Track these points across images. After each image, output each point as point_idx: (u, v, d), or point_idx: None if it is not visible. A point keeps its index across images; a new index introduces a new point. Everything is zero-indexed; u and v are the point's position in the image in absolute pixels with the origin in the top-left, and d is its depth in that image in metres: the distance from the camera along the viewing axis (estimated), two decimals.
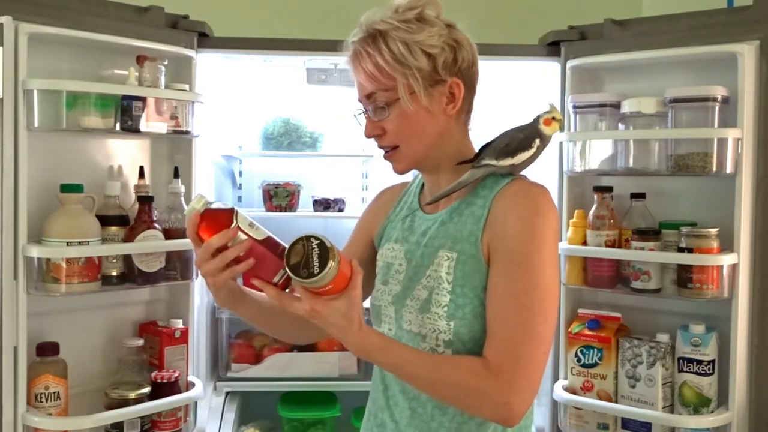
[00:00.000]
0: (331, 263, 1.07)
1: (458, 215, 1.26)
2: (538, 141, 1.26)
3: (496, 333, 1.16)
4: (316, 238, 1.10)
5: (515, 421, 1.15)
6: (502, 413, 1.14)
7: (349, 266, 1.13)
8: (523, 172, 1.29)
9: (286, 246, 1.13)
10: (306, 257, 1.08)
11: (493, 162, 1.24)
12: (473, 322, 1.20)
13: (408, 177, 1.45)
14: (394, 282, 1.32)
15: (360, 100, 1.29)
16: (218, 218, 1.18)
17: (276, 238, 1.22)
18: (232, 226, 1.17)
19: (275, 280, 1.17)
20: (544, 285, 1.16)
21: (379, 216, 1.44)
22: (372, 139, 1.29)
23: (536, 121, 1.27)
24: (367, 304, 1.32)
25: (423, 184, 1.39)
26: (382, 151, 1.31)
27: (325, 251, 1.08)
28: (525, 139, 1.26)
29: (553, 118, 1.26)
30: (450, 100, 1.25)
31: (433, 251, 1.26)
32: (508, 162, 1.24)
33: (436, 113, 1.25)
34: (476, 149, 1.32)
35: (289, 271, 1.08)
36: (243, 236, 1.17)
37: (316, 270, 1.07)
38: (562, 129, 1.28)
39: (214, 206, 1.21)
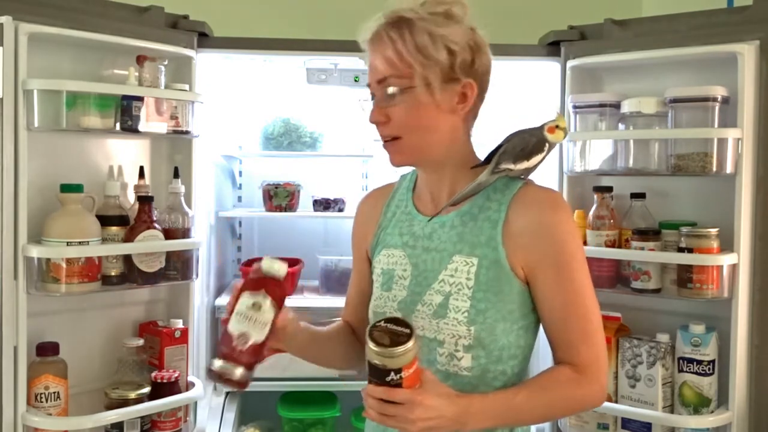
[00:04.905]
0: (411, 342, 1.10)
1: (472, 219, 1.26)
2: (547, 145, 1.28)
3: (572, 338, 1.22)
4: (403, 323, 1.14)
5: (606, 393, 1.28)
6: (602, 398, 1.25)
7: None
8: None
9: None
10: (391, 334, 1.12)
11: (511, 166, 1.25)
12: (494, 326, 1.22)
13: (392, 178, 1.45)
14: (399, 288, 1.30)
15: (370, 85, 1.27)
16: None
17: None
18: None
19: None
20: (587, 279, 1.24)
21: (368, 226, 1.41)
22: (375, 126, 1.27)
23: (542, 127, 1.28)
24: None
25: (413, 186, 1.38)
26: (382, 151, 1.30)
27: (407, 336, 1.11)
28: (538, 142, 1.27)
29: (557, 126, 1.28)
30: (461, 100, 1.25)
31: (446, 256, 1.26)
32: (523, 165, 1.26)
33: (444, 111, 1.24)
34: (474, 150, 1.32)
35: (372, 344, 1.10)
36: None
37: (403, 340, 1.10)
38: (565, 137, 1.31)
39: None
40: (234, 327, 1.19)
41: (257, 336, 1.19)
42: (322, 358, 1.43)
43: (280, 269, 1.23)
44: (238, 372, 1.18)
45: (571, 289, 1.22)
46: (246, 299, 1.20)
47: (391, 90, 1.23)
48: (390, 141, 1.26)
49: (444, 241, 1.28)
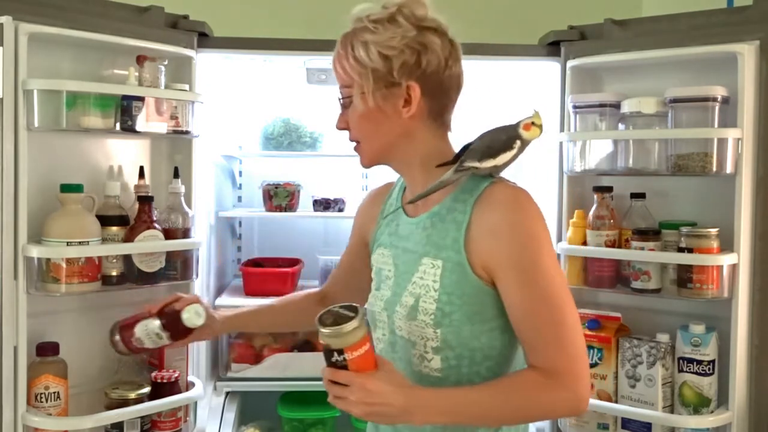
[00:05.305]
0: (356, 322, 1.11)
1: (440, 221, 1.26)
2: (518, 143, 1.24)
3: (538, 341, 1.17)
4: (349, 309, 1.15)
5: (587, 405, 1.18)
6: (577, 407, 1.18)
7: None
8: (503, 172, 1.28)
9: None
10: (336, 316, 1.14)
11: (476, 164, 1.23)
12: (461, 328, 1.21)
13: (392, 178, 1.46)
14: (385, 287, 1.32)
15: None
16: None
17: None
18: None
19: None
20: (557, 280, 1.18)
21: (370, 220, 1.45)
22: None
23: (517, 125, 1.26)
24: None
25: (406, 185, 1.39)
26: None
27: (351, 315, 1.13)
28: (507, 140, 1.24)
29: (533, 123, 1.24)
30: (406, 103, 1.24)
31: (417, 258, 1.26)
32: (490, 164, 1.23)
33: (390, 114, 1.25)
34: (457, 150, 1.30)
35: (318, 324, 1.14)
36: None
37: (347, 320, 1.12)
38: (541, 134, 1.26)
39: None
40: (138, 330, 1.55)
41: (148, 346, 1.57)
42: (270, 328, 1.93)
43: (195, 325, 1.52)
44: (126, 351, 1.59)
45: (537, 293, 1.16)
46: (155, 326, 1.53)
47: (341, 100, 1.29)
48: (355, 146, 1.32)
49: (416, 243, 1.28)
